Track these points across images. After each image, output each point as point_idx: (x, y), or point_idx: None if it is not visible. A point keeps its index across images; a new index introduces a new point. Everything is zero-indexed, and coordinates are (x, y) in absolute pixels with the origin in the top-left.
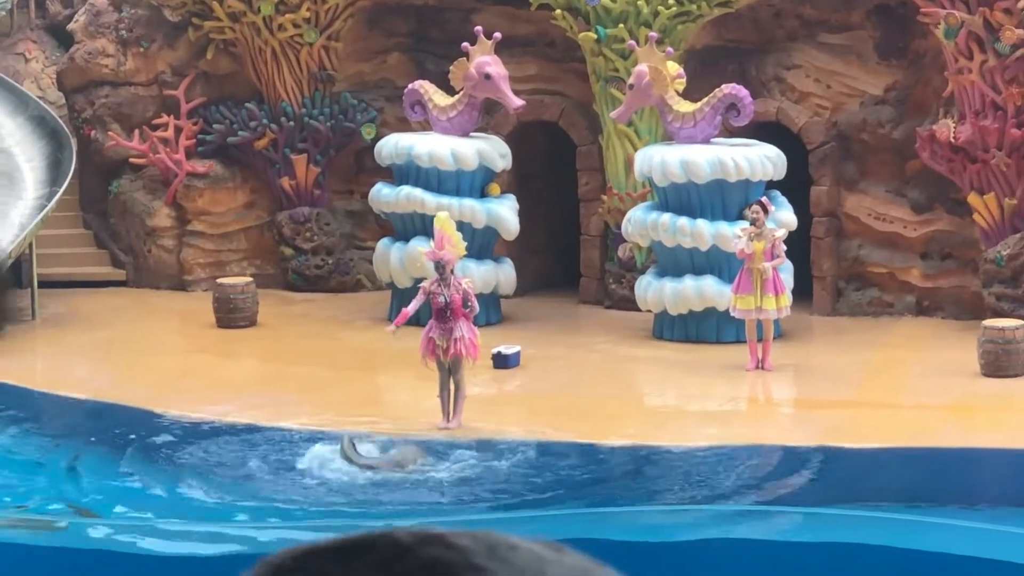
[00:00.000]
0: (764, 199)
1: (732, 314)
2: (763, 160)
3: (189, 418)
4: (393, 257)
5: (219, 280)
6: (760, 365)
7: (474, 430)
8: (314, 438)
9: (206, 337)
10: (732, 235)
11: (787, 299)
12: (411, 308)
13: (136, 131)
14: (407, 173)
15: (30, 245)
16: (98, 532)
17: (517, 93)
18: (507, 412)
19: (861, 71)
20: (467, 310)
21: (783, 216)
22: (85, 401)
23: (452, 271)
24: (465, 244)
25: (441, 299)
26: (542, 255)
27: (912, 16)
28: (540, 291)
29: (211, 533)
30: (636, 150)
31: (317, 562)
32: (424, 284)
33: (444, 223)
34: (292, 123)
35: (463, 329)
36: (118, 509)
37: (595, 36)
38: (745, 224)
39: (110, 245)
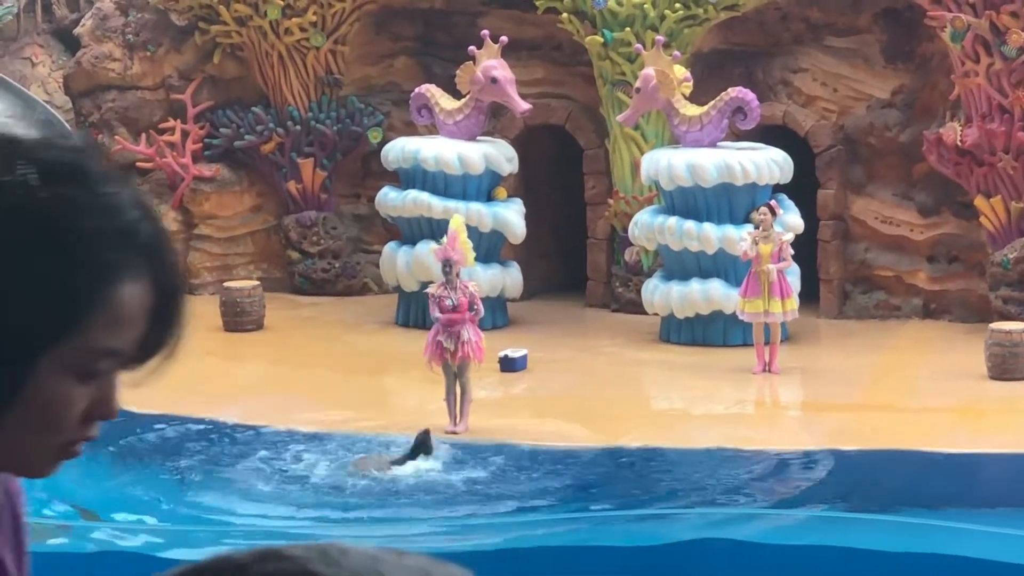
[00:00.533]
0: (772, 202)
1: (740, 317)
2: (770, 164)
3: (195, 420)
4: (400, 261)
5: (226, 284)
6: (767, 368)
7: (481, 433)
8: (321, 440)
9: (213, 340)
10: (738, 239)
11: (794, 302)
12: (438, 320)
13: (143, 135)
14: (413, 177)
15: None
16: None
17: (524, 97)
18: (514, 415)
19: (868, 74)
20: (472, 313)
21: (790, 219)
22: None
23: (458, 274)
24: (474, 256)
25: (448, 302)
26: (549, 258)
27: (919, 20)
28: (547, 295)
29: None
30: (643, 154)
31: None
32: (431, 291)
33: (459, 226)
34: (299, 127)
35: (469, 332)
36: (119, 513)
37: (602, 40)
38: (751, 228)
39: None
